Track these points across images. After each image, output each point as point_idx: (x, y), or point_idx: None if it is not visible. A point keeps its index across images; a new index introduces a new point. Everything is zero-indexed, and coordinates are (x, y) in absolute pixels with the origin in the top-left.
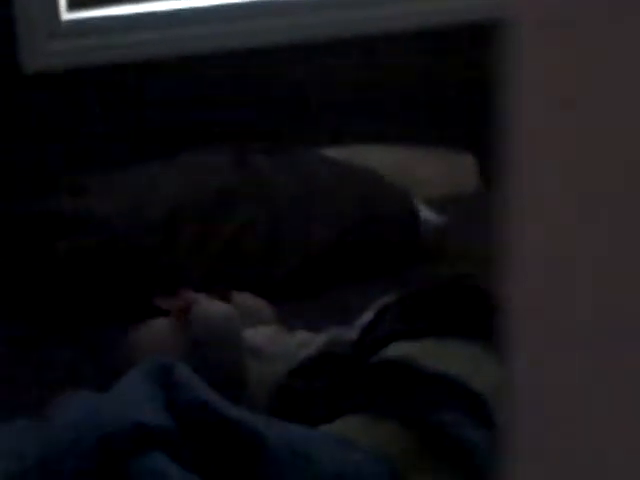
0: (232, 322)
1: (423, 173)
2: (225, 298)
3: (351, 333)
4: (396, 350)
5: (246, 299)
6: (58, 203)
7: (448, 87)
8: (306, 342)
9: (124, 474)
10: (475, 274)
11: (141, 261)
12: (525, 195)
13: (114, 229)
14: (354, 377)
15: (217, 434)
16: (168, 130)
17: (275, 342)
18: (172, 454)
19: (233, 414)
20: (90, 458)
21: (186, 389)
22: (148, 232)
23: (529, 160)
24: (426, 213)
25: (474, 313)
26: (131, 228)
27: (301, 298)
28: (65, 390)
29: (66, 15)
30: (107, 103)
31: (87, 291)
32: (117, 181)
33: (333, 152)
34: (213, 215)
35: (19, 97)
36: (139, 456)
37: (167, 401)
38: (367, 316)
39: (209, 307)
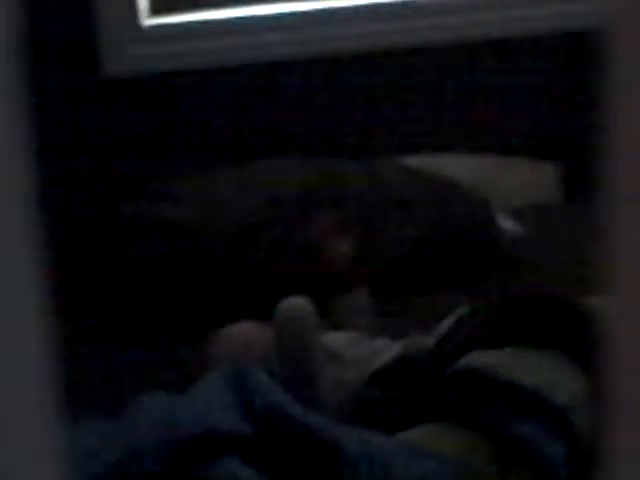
0: (310, 321)
1: (502, 182)
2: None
3: (429, 341)
4: (474, 360)
5: None
6: (138, 209)
7: (533, 96)
8: (384, 349)
9: (198, 478)
10: (554, 284)
11: (218, 268)
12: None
13: (192, 235)
14: (431, 386)
15: (294, 440)
16: (247, 136)
17: (354, 347)
18: (247, 460)
19: (310, 421)
20: (165, 461)
21: (263, 395)
22: (226, 238)
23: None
24: (504, 222)
25: (553, 324)
26: (209, 234)
27: (377, 305)
28: (143, 393)
29: (147, 21)
30: (187, 108)
31: (164, 297)
32: (196, 187)
33: (412, 160)
34: (291, 221)
35: (100, 102)
36: (213, 460)
37: (244, 406)
38: (445, 325)
39: (291, 303)
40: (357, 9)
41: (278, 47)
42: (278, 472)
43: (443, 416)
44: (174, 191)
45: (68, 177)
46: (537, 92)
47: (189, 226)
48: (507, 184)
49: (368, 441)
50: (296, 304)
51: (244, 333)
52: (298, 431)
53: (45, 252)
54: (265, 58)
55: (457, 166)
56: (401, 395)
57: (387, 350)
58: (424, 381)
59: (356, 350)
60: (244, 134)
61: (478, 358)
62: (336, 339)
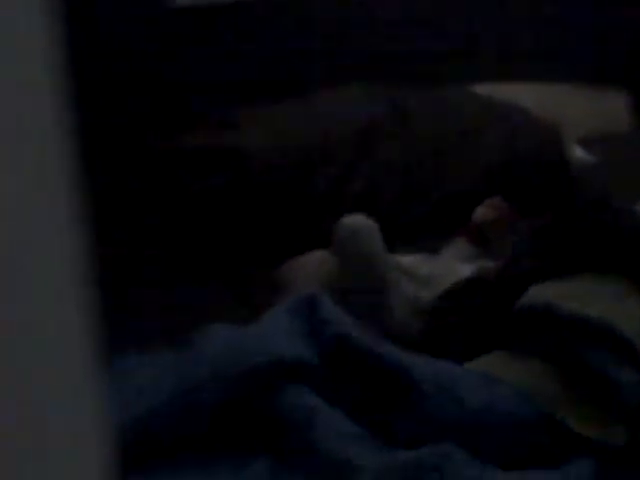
0: (375, 236)
1: (574, 110)
2: None
3: (496, 266)
4: (538, 293)
5: None
6: (205, 138)
7: (606, 23)
8: (454, 269)
9: (267, 407)
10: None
11: (285, 197)
12: None
13: (258, 164)
14: (499, 317)
15: (362, 368)
16: (313, 65)
17: (425, 265)
18: (315, 388)
19: (378, 348)
20: (231, 391)
21: (331, 323)
22: (292, 168)
23: None
24: (576, 151)
25: (615, 248)
26: (274, 163)
27: (442, 237)
28: (208, 323)
29: None
30: (252, 38)
31: (231, 226)
32: (262, 117)
33: (481, 89)
34: (356, 151)
35: (164, 31)
36: (280, 389)
37: (313, 336)
38: (511, 248)
39: (354, 221)
40: None
41: None
42: (346, 401)
43: (510, 346)
44: (240, 121)
45: (132, 108)
46: (607, 19)
47: (255, 156)
48: (576, 112)
49: (438, 368)
50: (358, 220)
51: (313, 262)
52: (366, 359)
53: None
54: None
55: (527, 94)
56: (466, 323)
57: (457, 270)
58: (490, 309)
59: (428, 267)
60: (310, 63)
61: (541, 291)
62: (406, 257)
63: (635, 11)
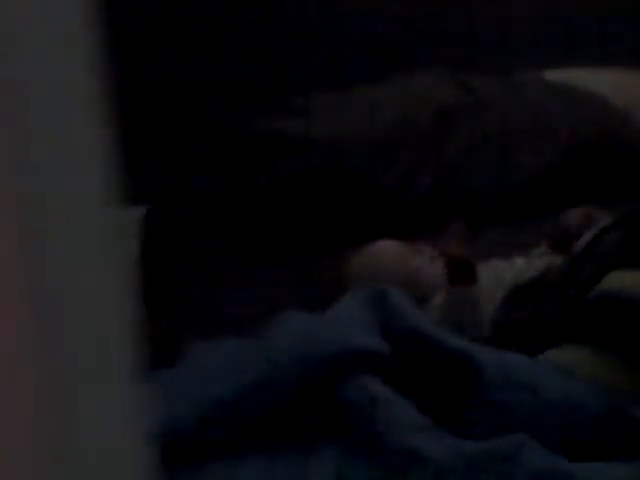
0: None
1: None
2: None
3: (566, 260)
4: (616, 281)
5: None
6: (281, 124)
7: None
8: (523, 268)
9: (338, 396)
10: None
11: (358, 184)
12: None
13: (334, 151)
14: (572, 308)
15: (432, 361)
16: (383, 50)
17: (492, 264)
18: (385, 379)
19: (448, 341)
20: (303, 379)
21: (401, 315)
22: (362, 156)
23: None
24: None
25: None
26: (345, 151)
27: (519, 221)
28: (282, 311)
29: None
30: (322, 23)
31: (306, 213)
32: (338, 102)
33: (557, 75)
34: (431, 137)
35: (232, 17)
36: (352, 379)
37: (383, 327)
38: (587, 237)
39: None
40: None
41: None
42: (415, 393)
43: (583, 339)
44: (317, 107)
45: (200, 94)
46: None
47: (324, 143)
48: None
49: (508, 361)
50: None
51: (383, 251)
52: (436, 352)
53: (182, 166)
54: None
55: (600, 81)
56: (537, 316)
57: (526, 269)
58: (562, 303)
59: (495, 270)
60: (381, 48)
61: (619, 279)
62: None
63: None
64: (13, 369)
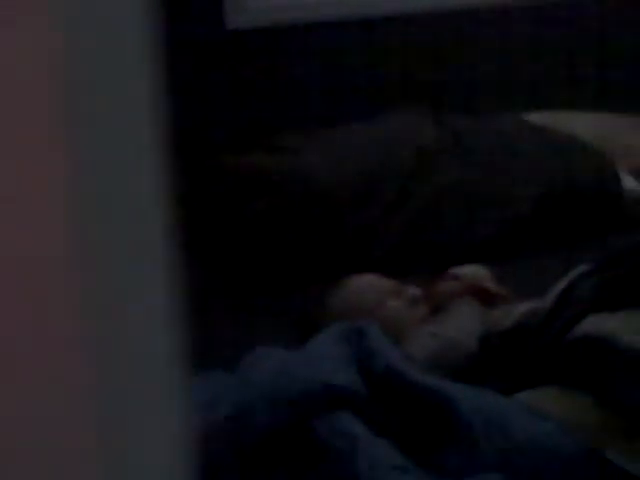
0: None
1: (628, 141)
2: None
3: (546, 301)
4: (594, 323)
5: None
6: (259, 160)
7: None
8: (504, 314)
9: (314, 434)
10: None
11: (339, 219)
12: None
13: (313, 186)
14: (549, 349)
15: (409, 400)
16: (368, 91)
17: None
18: (361, 417)
19: (425, 380)
20: (281, 416)
21: (378, 354)
22: (347, 190)
23: None
24: (629, 181)
25: None
26: (330, 185)
27: (498, 263)
28: (259, 345)
29: None
30: (306, 62)
31: (284, 246)
32: (319, 140)
33: (535, 117)
34: (411, 176)
35: (223, 52)
36: (327, 416)
37: (360, 365)
38: (562, 284)
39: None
40: None
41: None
42: (392, 432)
43: (559, 380)
44: (297, 144)
45: (193, 128)
46: None
47: (312, 178)
48: (630, 143)
49: (484, 401)
50: None
51: (363, 287)
52: (412, 391)
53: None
54: (387, 12)
55: (581, 124)
56: (515, 360)
57: (507, 315)
58: (541, 344)
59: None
60: (365, 89)
61: (598, 322)
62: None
63: None
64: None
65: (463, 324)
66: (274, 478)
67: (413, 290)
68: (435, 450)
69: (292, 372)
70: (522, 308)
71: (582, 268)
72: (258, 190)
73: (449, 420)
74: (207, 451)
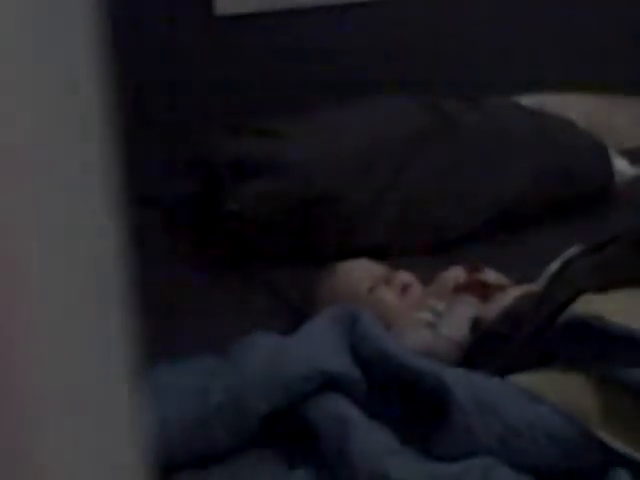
0: None
1: (619, 122)
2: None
3: (538, 283)
4: (586, 305)
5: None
6: (247, 146)
7: None
8: (497, 300)
9: (307, 418)
10: None
11: (329, 205)
12: None
13: (303, 173)
14: (542, 332)
15: (402, 384)
16: (354, 74)
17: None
18: (354, 401)
19: (418, 364)
20: (274, 402)
21: (371, 339)
22: (337, 176)
23: None
24: (620, 163)
25: None
26: (320, 172)
27: (490, 248)
28: (251, 331)
29: None
30: (296, 48)
31: (274, 233)
32: (308, 125)
33: (527, 100)
34: (402, 160)
35: (211, 39)
36: (322, 401)
37: (353, 350)
38: (554, 266)
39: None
40: None
41: None
42: (385, 416)
43: (551, 363)
44: (285, 130)
45: (174, 116)
46: None
47: (296, 164)
48: (620, 124)
49: (478, 384)
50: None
51: (355, 271)
52: (405, 375)
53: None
54: None
55: (570, 105)
56: (509, 341)
57: (499, 300)
58: (533, 330)
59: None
60: (351, 72)
61: (590, 304)
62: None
63: None
64: None
65: (460, 324)
66: (267, 462)
67: (404, 276)
68: (429, 433)
69: (285, 357)
70: (515, 292)
71: (574, 250)
72: (244, 174)
73: (443, 404)
74: (200, 437)
